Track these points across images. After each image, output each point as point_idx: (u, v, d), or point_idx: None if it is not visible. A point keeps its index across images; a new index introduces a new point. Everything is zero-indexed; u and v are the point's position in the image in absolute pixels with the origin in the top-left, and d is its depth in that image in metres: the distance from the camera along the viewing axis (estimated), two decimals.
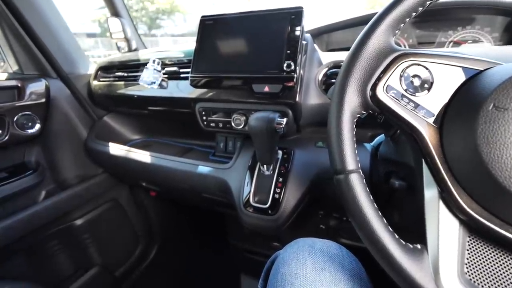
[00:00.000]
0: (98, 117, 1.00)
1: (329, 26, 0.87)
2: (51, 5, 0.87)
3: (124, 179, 1.07)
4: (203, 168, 0.71)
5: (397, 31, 0.34)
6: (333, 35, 0.89)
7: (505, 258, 0.26)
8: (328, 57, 0.66)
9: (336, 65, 0.63)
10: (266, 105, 0.63)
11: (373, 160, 0.58)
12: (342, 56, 0.65)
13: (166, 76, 0.78)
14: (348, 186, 0.30)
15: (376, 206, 0.30)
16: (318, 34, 0.87)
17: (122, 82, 0.88)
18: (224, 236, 0.99)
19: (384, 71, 0.32)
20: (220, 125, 0.70)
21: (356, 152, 0.32)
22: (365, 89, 0.32)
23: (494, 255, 0.27)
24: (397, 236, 0.29)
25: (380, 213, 0.29)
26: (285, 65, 0.57)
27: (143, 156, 0.82)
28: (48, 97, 0.85)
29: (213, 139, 0.83)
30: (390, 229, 0.29)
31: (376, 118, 0.42)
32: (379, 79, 0.32)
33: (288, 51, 0.58)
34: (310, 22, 0.89)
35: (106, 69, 0.94)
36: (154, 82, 0.76)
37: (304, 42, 0.62)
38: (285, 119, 0.54)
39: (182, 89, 0.76)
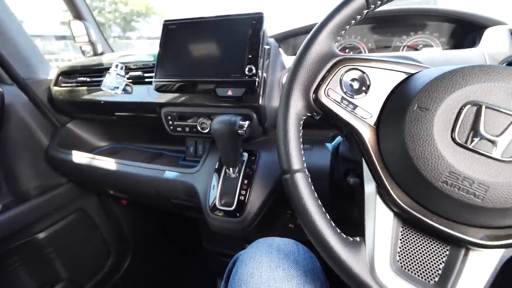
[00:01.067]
0: (61, 124, 0.95)
1: (295, 30, 0.90)
2: (3, 5, 0.82)
3: (90, 188, 1.02)
4: (170, 173, 0.70)
5: (338, 37, 0.36)
6: (299, 39, 0.92)
7: (430, 243, 0.29)
8: (291, 61, 0.68)
9: None
10: (231, 108, 0.64)
11: (334, 159, 0.61)
12: None
13: (130, 81, 0.76)
14: (294, 184, 0.31)
15: (320, 203, 0.31)
16: (284, 38, 0.90)
17: (85, 88, 0.85)
18: (198, 241, 0.98)
19: (326, 76, 0.34)
20: (187, 129, 0.69)
21: (302, 152, 0.33)
22: (309, 93, 0.34)
23: (422, 242, 0.29)
24: (338, 231, 0.30)
25: (324, 210, 0.31)
26: (246, 69, 0.58)
27: (108, 163, 0.79)
28: (2, 104, 0.80)
29: (183, 144, 0.82)
30: (333, 224, 0.31)
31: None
32: (321, 83, 0.34)
33: (250, 56, 0.59)
34: (278, 26, 0.91)
35: (68, 74, 0.90)
36: (118, 87, 0.74)
37: (266, 47, 0.64)
38: (247, 122, 0.55)
39: (148, 94, 0.75)
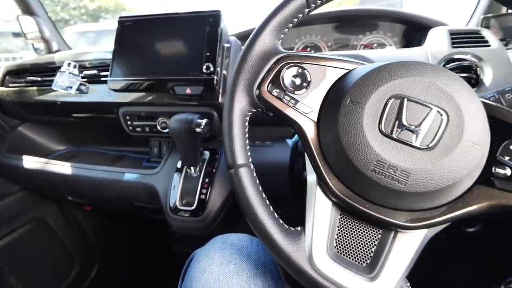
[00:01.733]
0: (10, 127, 0.88)
1: None
2: None
3: (47, 195, 0.96)
4: (130, 175, 0.67)
5: (282, 35, 0.37)
6: None
7: (364, 229, 0.31)
8: None
9: None
10: (191, 107, 0.63)
11: (294, 154, 0.62)
12: None
13: (85, 80, 0.72)
14: (238, 179, 0.32)
15: (264, 196, 0.32)
16: (247, 36, 0.90)
17: (36, 88, 0.79)
18: (167, 243, 0.95)
19: (268, 72, 0.35)
20: (147, 129, 0.67)
21: (248, 147, 0.34)
22: (252, 89, 0.34)
23: (357, 228, 0.31)
24: (281, 222, 0.31)
25: (268, 202, 0.32)
26: (204, 67, 0.58)
27: (64, 167, 0.75)
28: None
29: (147, 145, 0.80)
30: (276, 215, 0.31)
31: None
32: (264, 79, 0.35)
33: (208, 54, 0.59)
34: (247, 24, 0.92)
35: (16, 73, 0.83)
36: (71, 87, 0.70)
37: (226, 45, 0.64)
38: (205, 120, 0.55)
39: (106, 94, 0.71)
